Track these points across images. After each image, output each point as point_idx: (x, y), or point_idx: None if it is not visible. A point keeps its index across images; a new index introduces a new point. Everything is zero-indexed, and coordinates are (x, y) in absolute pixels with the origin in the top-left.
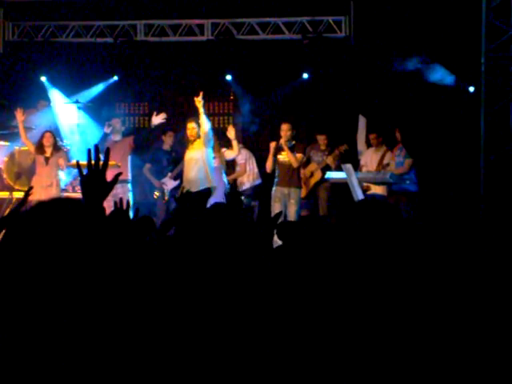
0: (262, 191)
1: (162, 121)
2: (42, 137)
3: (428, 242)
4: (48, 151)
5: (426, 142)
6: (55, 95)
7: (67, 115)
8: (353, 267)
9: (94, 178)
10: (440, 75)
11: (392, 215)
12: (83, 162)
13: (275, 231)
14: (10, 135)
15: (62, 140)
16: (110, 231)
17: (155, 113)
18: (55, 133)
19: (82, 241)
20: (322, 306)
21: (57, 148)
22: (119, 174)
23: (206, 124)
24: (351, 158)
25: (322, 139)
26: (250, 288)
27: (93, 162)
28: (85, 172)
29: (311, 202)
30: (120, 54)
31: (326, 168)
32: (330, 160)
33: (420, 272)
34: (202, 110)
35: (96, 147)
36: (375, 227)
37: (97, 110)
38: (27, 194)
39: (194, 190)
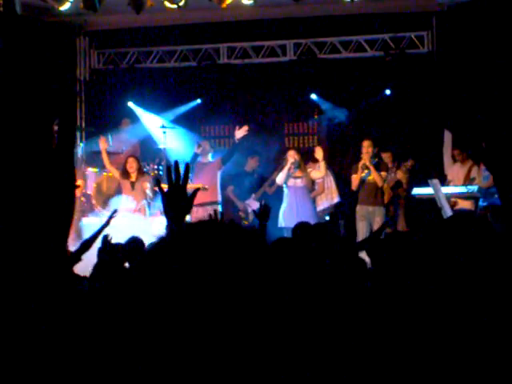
0: (344, 209)
1: (245, 133)
2: (126, 162)
3: None
4: (133, 176)
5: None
6: (146, 119)
7: (158, 139)
8: (446, 284)
9: (175, 194)
10: None
11: (484, 230)
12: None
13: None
14: (99, 161)
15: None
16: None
17: (238, 127)
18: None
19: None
20: (417, 326)
21: (141, 172)
22: (197, 190)
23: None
24: (437, 172)
25: (387, 157)
26: (341, 301)
27: (173, 178)
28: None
29: (387, 220)
30: (204, 78)
31: (396, 184)
32: (400, 175)
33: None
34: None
35: (176, 163)
36: (467, 243)
37: (181, 133)
38: (111, 217)
39: None
